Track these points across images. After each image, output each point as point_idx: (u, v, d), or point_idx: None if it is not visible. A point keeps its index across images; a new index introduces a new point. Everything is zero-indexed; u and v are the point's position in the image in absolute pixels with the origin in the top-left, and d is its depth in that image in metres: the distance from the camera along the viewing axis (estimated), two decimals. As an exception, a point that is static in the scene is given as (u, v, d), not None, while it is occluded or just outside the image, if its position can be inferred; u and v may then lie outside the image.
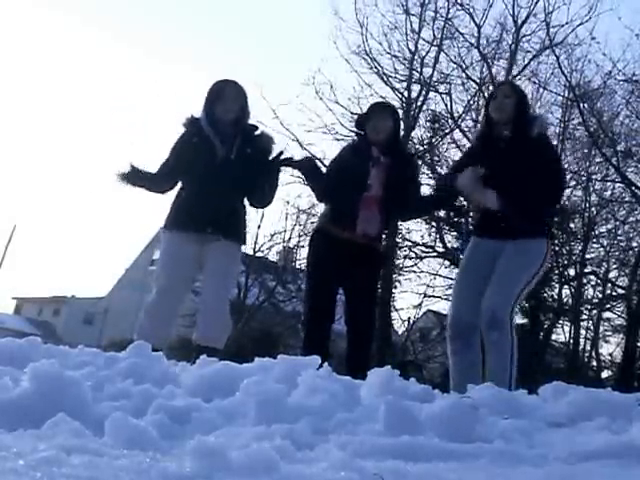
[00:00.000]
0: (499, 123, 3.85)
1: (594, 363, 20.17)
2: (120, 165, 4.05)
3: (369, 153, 4.13)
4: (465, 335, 3.74)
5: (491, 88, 17.24)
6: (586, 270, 19.18)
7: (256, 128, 4.20)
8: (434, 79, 18.22)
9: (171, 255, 4.08)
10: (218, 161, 4.00)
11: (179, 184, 4.14)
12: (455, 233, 18.05)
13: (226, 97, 4.06)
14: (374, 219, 4.07)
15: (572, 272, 19.04)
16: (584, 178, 18.49)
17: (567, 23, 17.72)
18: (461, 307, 3.82)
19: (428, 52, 18.47)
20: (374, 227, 4.09)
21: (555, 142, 15.12)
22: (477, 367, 3.71)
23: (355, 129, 4.58)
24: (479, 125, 4.44)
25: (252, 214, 22.94)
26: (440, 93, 18.48)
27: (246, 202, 4.17)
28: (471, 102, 17.87)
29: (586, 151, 18.29)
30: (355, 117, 17.47)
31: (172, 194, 4.16)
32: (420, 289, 18.87)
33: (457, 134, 18.29)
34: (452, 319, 3.84)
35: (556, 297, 18.47)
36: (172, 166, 4.09)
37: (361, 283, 4.15)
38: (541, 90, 17.95)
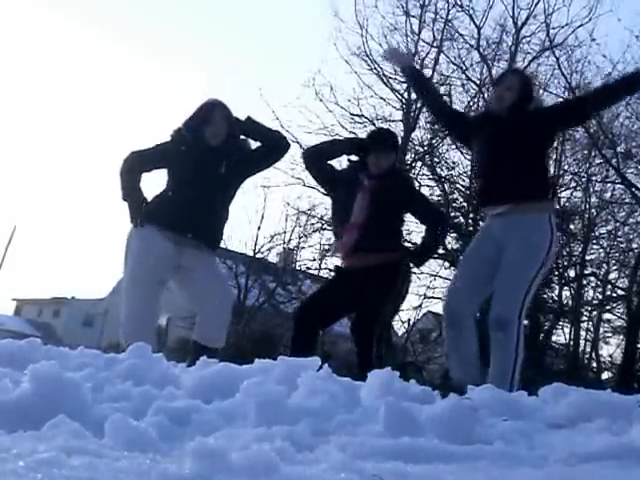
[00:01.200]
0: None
1: (594, 364, 20.16)
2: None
3: (356, 179, 4.20)
4: (458, 323, 3.77)
5: (491, 89, 17.38)
6: (586, 271, 19.18)
7: (244, 141, 4.17)
8: (434, 80, 18.22)
9: (148, 251, 3.93)
10: (208, 172, 3.98)
11: (161, 183, 4.10)
12: (455, 234, 18.03)
13: (215, 122, 4.01)
14: (352, 240, 4.09)
15: (572, 273, 19.05)
16: (584, 179, 18.52)
17: (567, 24, 17.83)
18: (455, 296, 3.84)
19: (428, 53, 18.58)
20: (355, 246, 4.09)
21: (555, 144, 15.12)
22: (470, 352, 3.72)
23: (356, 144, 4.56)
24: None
25: (252, 215, 22.96)
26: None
27: (231, 208, 4.16)
28: (471, 103, 17.91)
29: (586, 152, 18.30)
30: (354, 118, 17.60)
31: (156, 191, 4.11)
32: (420, 290, 18.87)
33: (457, 135, 18.28)
34: (446, 307, 3.88)
35: (556, 298, 18.48)
36: (148, 158, 4.07)
37: (369, 299, 4.11)
38: (541, 91, 17.96)
